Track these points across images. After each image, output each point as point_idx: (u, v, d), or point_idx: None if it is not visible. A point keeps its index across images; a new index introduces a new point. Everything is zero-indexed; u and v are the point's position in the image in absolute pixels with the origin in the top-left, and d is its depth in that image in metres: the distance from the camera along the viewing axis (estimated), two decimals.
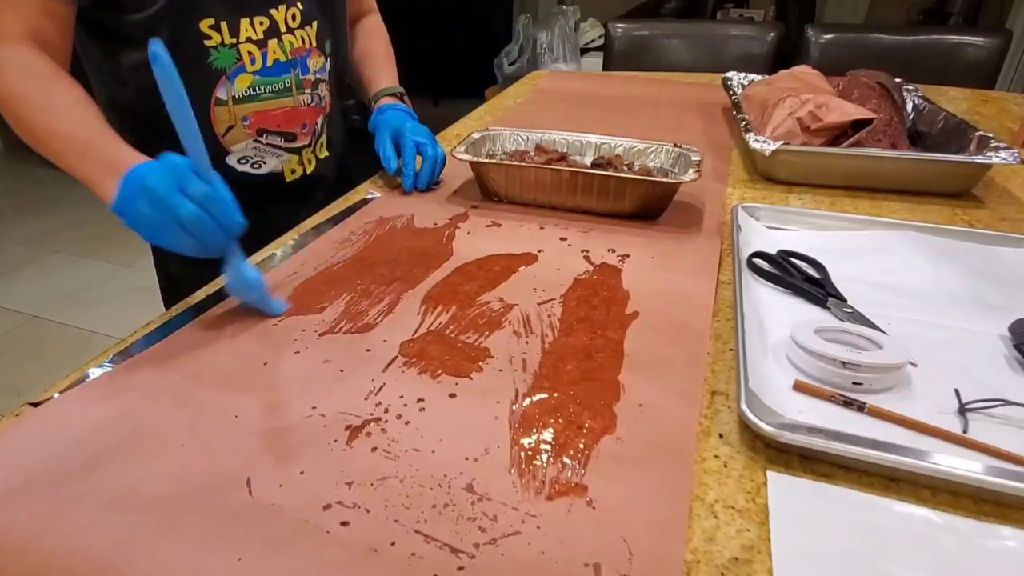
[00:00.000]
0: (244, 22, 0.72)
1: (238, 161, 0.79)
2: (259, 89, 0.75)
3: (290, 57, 0.77)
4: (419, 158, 0.82)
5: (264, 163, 0.81)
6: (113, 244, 2.51)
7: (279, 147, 0.81)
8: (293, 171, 0.84)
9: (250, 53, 0.73)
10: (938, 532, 0.36)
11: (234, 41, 0.71)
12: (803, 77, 1.08)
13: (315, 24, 0.79)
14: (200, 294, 0.60)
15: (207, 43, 0.70)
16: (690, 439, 0.43)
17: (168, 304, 0.85)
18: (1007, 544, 0.36)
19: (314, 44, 0.80)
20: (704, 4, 3.16)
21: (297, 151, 0.83)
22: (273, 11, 0.74)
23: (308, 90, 0.81)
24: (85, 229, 2.63)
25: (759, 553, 0.35)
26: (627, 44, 1.85)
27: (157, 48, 0.44)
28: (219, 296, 0.59)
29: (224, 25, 0.70)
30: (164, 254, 0.87)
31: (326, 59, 0.83)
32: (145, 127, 0.71)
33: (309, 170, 0.86)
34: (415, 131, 0.83)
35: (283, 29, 0.75)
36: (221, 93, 0.73)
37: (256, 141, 0.79)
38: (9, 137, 3.43)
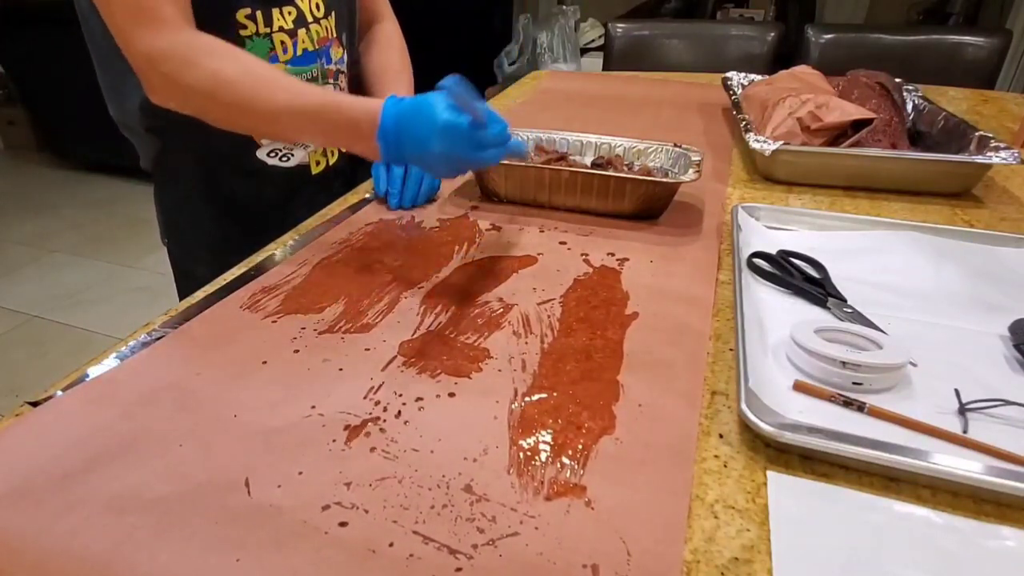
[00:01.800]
0: (276, 12, 0.73)
1: (268, 155, 0.80)
2: None
3: (317, 47, 0.78)
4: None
5: (292, 155, 0.82)
6: (113, 244, 2.51)
7: None
8: (318, 162, 0.85)
9: (282, 42, 0.74)
10: (938, 532, 0.36)
11: (268, 31, 0.73)
12: (803, 77, 1.08)
13: (334, 15, 0.81)
14: (200, 294, 0.60)
15: (243, 33, 0.71)
16: (690, 439, 0.42)
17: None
18: (1007, 544, 0.36)
19: (335, 35, 0.82)
20: (704, 4, 3.16)
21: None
22: (299, 0, 0.75)
23: (331, 80, 0.82)
24: (85, 229, 2.63)
25: (759, 553, 0.35)
26: (627, 44, 1.85)
27: (449, 83, 0.53)
28: (219, 296, 0.59)
29: (259, 15, 0.71)
30: (184, 257, 0.88)
31: (344, 51, 0.85)
32: (174, 126, 0.71)
33: (332, 161, 0.87)
34: None
35: (309, 19, 0.77)
36: None
37: None
38: (9, 137, 3.44)
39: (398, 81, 0.89)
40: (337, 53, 0.83)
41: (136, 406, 0.45)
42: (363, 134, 0.57)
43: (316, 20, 0.78)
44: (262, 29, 0.72)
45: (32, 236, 2.59)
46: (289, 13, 0.75)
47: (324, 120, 0.60)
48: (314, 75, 0.79)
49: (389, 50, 0.92)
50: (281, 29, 0.74)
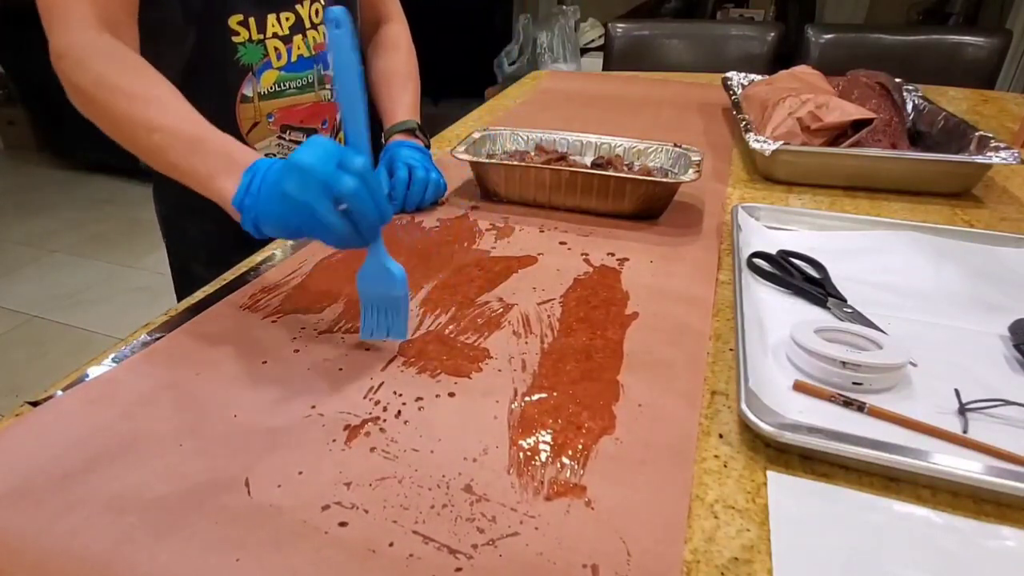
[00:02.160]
0: (271, 18, 0.72)
1: (264, 157, 0.78)
2: (284, 85, 0.76)
3: (313, 53, 0.77)
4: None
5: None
6: (113, 244, 2.51)
7: (301, 143, 0.80)
8: None
9: (276, 49, 0.73)
10: (938, 532, 0.36)
11: (261, 37, 0.71)
12: (803, 77, 1.08)
13: None
14: (200, 294, 0.60)
15: (235, 39, 0.70)
16: (690, 439, 0.42)
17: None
18: (1007, 544, 0.36)
19: None
20: (704, 4, 3.16)
21: None
22: (298, 6, 0.74)
23: (329, 85, 0.81)
24: (85, 229, 2.63)
25: (759, 553, 0.35)
26: (627, 44, 1.85)
27: (340, 14, 0.42)
28: (218, 296, 0.59)
29: (252, 21, 0.70)
30: (183, 256, 0.87)
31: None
32: None
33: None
34: (410, 156, 0.78)
35: (307, 25, 0.76)
36: (247, 90, 0.73)
37: (280, 138, 0.79)
38: (9, 137, 3.44)
39: (403, 88, 0.87)
40: None
41: (136, 406, 0.45)
42: (233, 166, 0.51)
43: (314, 26, 0.77)
44: (255, 36, 0.71)
45: (32, 236, 2.59)
46: (287, 19, 0.73)
47: (202, 144, 0.53)
48: (309, 81, 0.78)
49: (396, 53, 0.90)
50: (275, 35, 0.73)
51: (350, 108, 0.45)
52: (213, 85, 0.71)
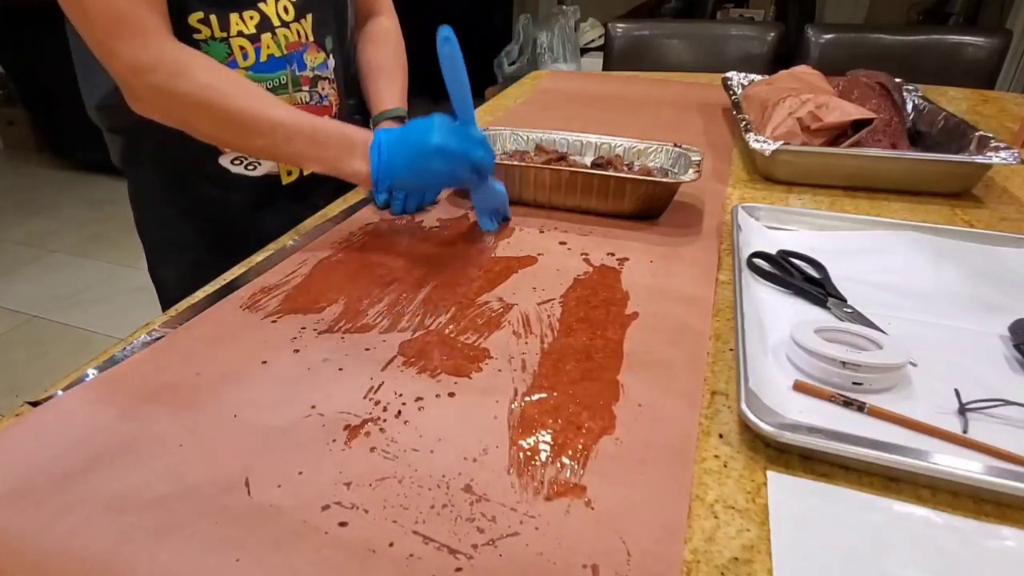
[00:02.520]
0: (234, 17, 0.69)
1: (232, 162, 0.77)
2: None
3: (285, 52, 0.74)
4: None
5: (259, 163, 0.79)
6: (113, 244, 2.51)
7: None
8: (290, 172, 0.82)
9: (242, 48, 0.71)
10: (938, 532, 0.36)
11: (224, 35, 0.69)
12: (803, 77, 1.08)
13: (310, 17, 0.76)
14: (200, 294, 0.60)
15: (196, 36, 0.67)
16: (690, 439, 0.42)
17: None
18: (1007, 544, 0.36)
19: (311, 39, 0.77)
20: (704, 4, 3.16)
21: None
22: (262, 5, 0.71)
23: (306, 87, 0.78)
24: (85, 229, 2.63)
25: (759, 553, 0.35)
26: (627, 44, 1.85)
27: (449, 33, 0.58)
28: (219, 295, 0.59)
29: (213, 19, 0.68)
30: (156, 256, 0.86)
31: (327, 55, 0.80)
32: (133, 128, 0.70)
33: (307, 171, 0.83)
34: None
35: (276, 23, 0.73)
36: None
37: None
38: (9, 137, 3.44)
39: (392, 80, 0.86)
40: (316, 58, 0.78)
41: (136, 406, 0.45)
42: (355, 147, 0.62)
43: (285, 24, 0.74)
44: (218, 33, 0.69)
45: (32, 236, 2.59)
46: (251, 18, 0.70)
47: (320, 134, 0.62)
48: (282, 82, 0.75)
49: (384, 47, 0.89)
50: (240, 34, 0.70)
51: (462, 96, 0.62)
52: None
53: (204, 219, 0.81)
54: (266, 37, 0.72)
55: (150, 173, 0.80)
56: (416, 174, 0.62)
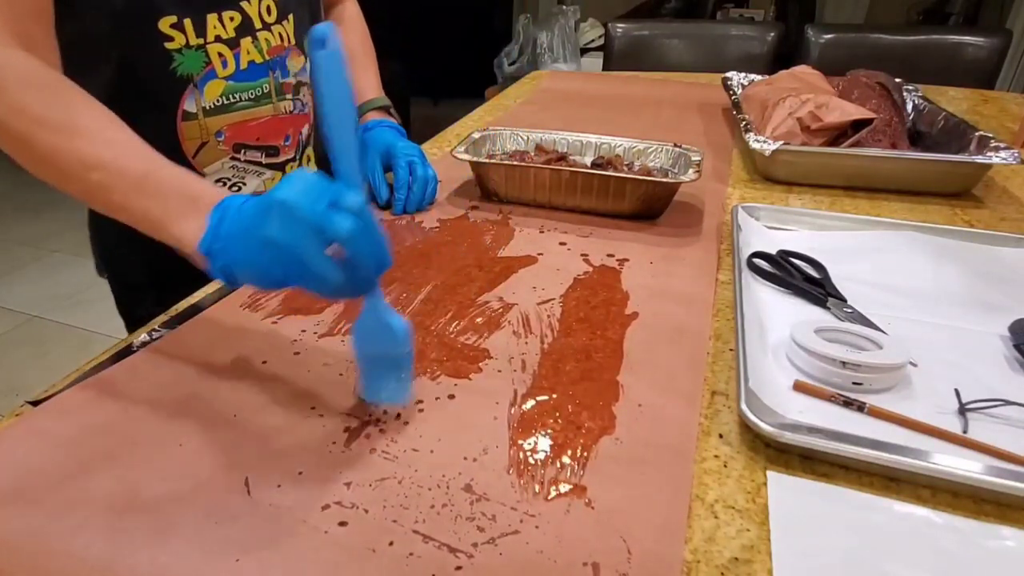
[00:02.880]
0: (212, 19, 0.62)
1: (215, 183, 0.70)
2: (233, 97, 0.67)
3: (267, 58, 0.68)
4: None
5: (244, 184, 0.72)
6: None
7: (260, 163, 0.73)
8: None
9: (220, 55, 0.64)
10: (938, 532, 0.36)
11: (201, 41, 0.62)
12: (803, 77, 1.08)
13: (292, 18, 0.71)
14: (200, 294, 0.60)
15: (168, 45, 0.61)
16: (690, 439, 0.42)
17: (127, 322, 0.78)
18: (1007, 544, 0.36)
19: (293, 41, 0.72)
20: (704, 4, 3.16)
21: (280, 167, 0.75)
22: (244, 3, 0.65)
23: (289, 95, 0.73)
24: (85, 229, 2.62)
25: (759, 553, 0.35)
26: (627, 44, 1.85)
27: (327, 30, 0.35)
28: (217, 296, 0.59)
29: (188, 23, 0.61)
30: (126, 292, 0.80)
31: (307, 59, 0.75)
32: None
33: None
34: (408, 149, 0.76)
35: (258, 25, 0.66)
36: (189, 105, 0.65)
37: (234, 159, 0.70)
38: None
39: (365, 67, 0.84)
40: (297, 63, 0.73)
41: (136, 406, 0.45)
42: (196, 204, 0.42)
43: (266, 26, 0.67)
44: (193, 40, 0.62)
45: (32, 236, 2.59)
46: (231, 19, 0.64)
47: (151, 182, 0.44)
48: (265, 91, 0.69)
49: (352, 34, 0.86)
50: (219, 39, 0.63)
51: (341, 138, 0.38)
52: (147, 103, 0.61)
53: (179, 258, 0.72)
54: (246, 42, 0.66)
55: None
56: (248, 248, 0.39)
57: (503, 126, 0.90)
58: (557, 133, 0.88)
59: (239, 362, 0.50)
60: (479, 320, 0.56)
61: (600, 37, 3.00)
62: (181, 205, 0.43)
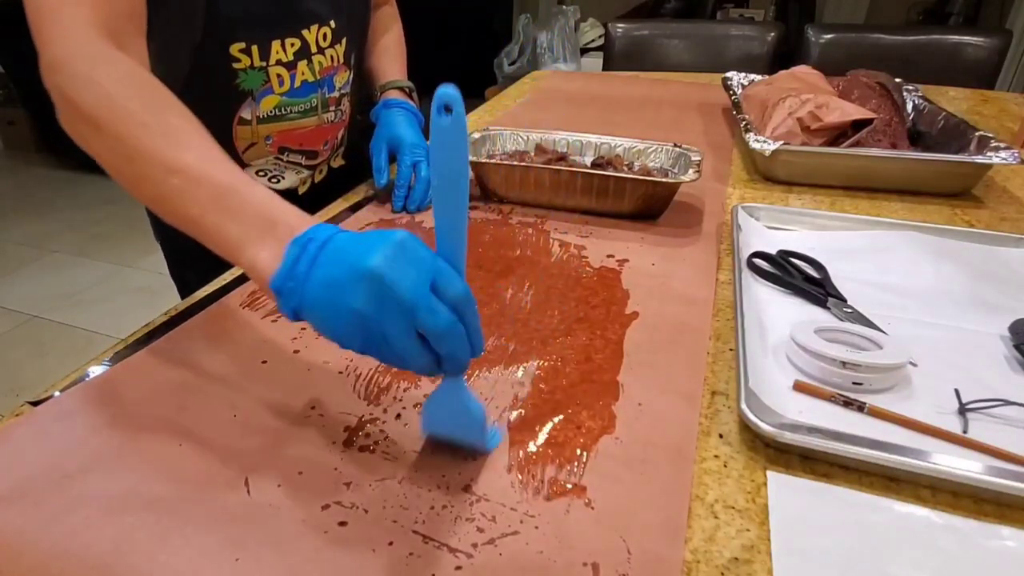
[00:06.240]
0: (275, 44, 0.68)
1: (256, 173, 0.77)
2: (285, 110, 0.73)
3: (318, 77, 0.74)
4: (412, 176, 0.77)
5: (283, 178, 0.79)
6: (113, 244, 2.51)
7: (299, 164, 0.80)
8: (305, 182, 0.83)
9: (279, 75, 0.70)
10: (938, 532, 0.36)
11: (263, 64, 0.68)
12: (803, 77, 1.08)
13: (344, 41, 0.77)
14: (200, 293, 0.60)
15: (236, 66, 0.66)
16: (690, 439, 0.42)
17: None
18: (1007, 544, 0.36)
19: (341, 61, 0.77)
20: (704, 4, 3.16)
21: (316, 166, 0.82)
22: (305, 32, 0.70)
23: (332, 107, 0.79)
24: (85, 229, 2.63)
25: (759, 553, 0.35)
26: (627, 44, 1.85)
27: (455, 96, 0.32)
28: (217, 295, 0.59)
29: (255, 49, 0.66)
30: (177, 260, 0.86)
31: (350, 72, 0.81)
32: None
33: (318, 179, 0.85)
34: (415, 147, 0.77)
35: (314, 50, 0.72)
36: (245, 113, 0.71)
37: (277, 158, 0.77)
38: (9, 137, 3.44)
39: (395, 58, 0.88)
40: (342, 78, 0.79)
41: (136, 406, 0.45)
42: (274, 229, 0.38)
43: (321, 51, 0.73)
44: (257, 63, 0.67)
45: (32, 236, 2.59)
46: (292, 45, 0.69)
47: (232, 199, 0.40)
48: (312, 105, 0.75)
49: (388, 33, 0.90)
50: (279, 62, 0.69)
51: (449, 212, 0.34)
52: (209, 108, 0.59)
53: None
54: (302, 64, 0.71)
55: None
56: (328, 307, 0.35)
57: (503, 126, 0.90)
58: (557, 133, 0.88)
59: (239, 362, 0.50)
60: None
61: (600, 37, 3.00)
62: (258, 229, 0.39)
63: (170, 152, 0.42)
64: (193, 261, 0.78)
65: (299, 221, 0.39)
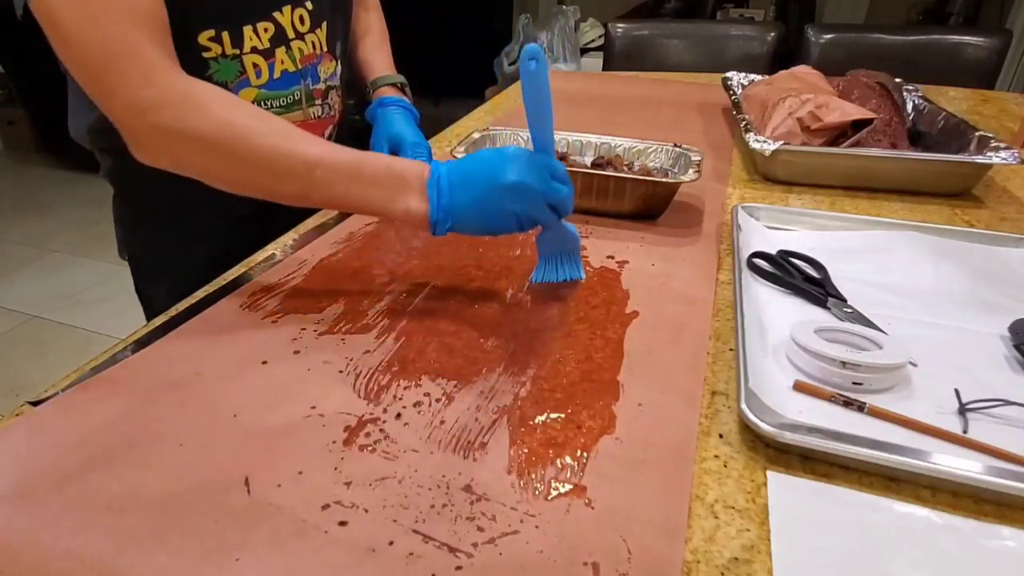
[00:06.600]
0: (247, 31, 0.64)
1: None
2: (265, 104, 0.69)
3: (300, 67, 0.70)
4: None
5: None
6: (113, 244, 2.50)
7: None
8: None
9: (255, 65, 0.66)
10: (938, 532, 0.36)
11: (236, 52, 0.64)
12: (803, 77, 1.08)
13: (324, 26, 0.73)
14: (200, 293, 0.60)
15: (206, 55, 0.62)
16: (690, 439, 0.42)
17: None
18: (1007, 544, 0.36)
19: (325, 48, 0.73)
20: (704, 4, 3.16)
21: None
22: (277, 14, 0.66)
23: (318, 101, 0.75)
24: (85, 229, 2.63)
25: (759, 553, 0.35)
26: (627, 44, 1.85)
27: (540, 51, 0.48)
28: (217, 295, 0.59)
29: (225, 35, 0.63)
30: (144, 279, 0.86)
31: (337, 63, 0.77)
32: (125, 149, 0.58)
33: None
34: (417, 146, 0.76)
35: (291, 35, 0.68)
36: None
37: None
38: (9, 137, 3.44)
39: (379, 45, 0.86)
40: (328, 68, 0.75)
41: (136, 406, 0.45)
42: (408, 183, 0.51)
43: (300, 36, 0.69)
44: (229, 51, 0.63)
45: (32, 236, 2.59)
46: (265, 30, 0.65)
47: (365, 171, 0.51)
48: (296, 99, 0.71)
49: (366, 14, 0.88)
50: (254, 50, 0.65)
51: (542, 125, 0.53)
52: None
53: (200, 244, 0.75)
54: (280, 52, 0.68)
55: (144, 193, 0.75)
56: (485, 216, 0.51)
57: (503, 126, 0.90)
58: (557, 133, 0.87)
59: (239, 362, 0.50)
60: (479, 320, 0.56)
61: (600, 37, 3.00)
62: (395, 186, 0.52)
63: (305, 149, 0.51)
64: (160, 281, 0.79)
65: (418, 167, 0.52)
